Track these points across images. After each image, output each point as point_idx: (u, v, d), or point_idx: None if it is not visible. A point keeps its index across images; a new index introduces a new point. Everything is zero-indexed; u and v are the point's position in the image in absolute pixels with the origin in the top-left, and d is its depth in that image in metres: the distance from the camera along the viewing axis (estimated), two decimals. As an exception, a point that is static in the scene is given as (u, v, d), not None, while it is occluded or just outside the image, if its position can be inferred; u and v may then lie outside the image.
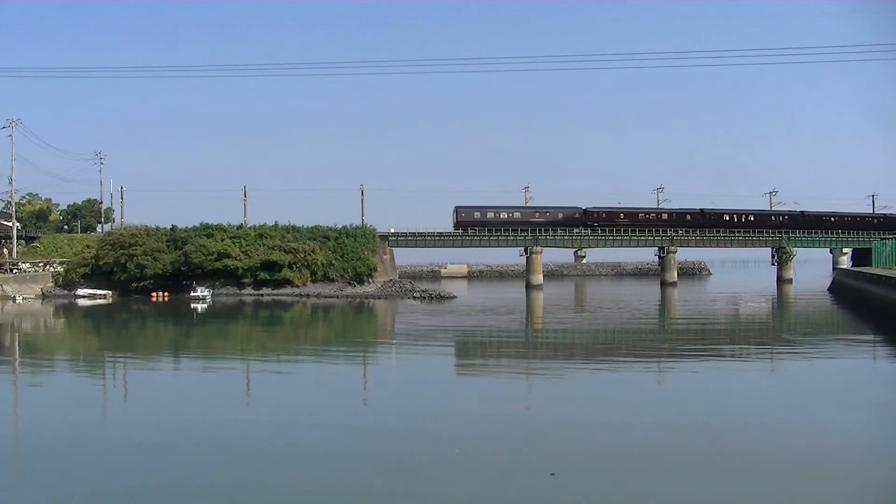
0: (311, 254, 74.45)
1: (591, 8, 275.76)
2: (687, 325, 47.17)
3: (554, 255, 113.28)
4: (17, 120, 78.60)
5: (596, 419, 19.24)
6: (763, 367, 30.07)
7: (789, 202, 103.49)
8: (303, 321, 52.78)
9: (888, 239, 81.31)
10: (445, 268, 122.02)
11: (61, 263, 75.84)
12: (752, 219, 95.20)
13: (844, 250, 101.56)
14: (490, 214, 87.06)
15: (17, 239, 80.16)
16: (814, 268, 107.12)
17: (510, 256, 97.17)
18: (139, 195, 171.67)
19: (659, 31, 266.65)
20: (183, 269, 73.73)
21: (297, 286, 73.22)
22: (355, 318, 53.81)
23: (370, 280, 76.32)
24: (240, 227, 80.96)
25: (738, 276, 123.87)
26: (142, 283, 72.76)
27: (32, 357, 35.53)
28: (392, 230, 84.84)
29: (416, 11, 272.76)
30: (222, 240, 75.52)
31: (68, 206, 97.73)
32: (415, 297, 68.68)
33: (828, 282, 79.61)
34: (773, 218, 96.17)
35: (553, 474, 14.20)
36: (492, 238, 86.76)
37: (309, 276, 74.31)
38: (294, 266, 73.67)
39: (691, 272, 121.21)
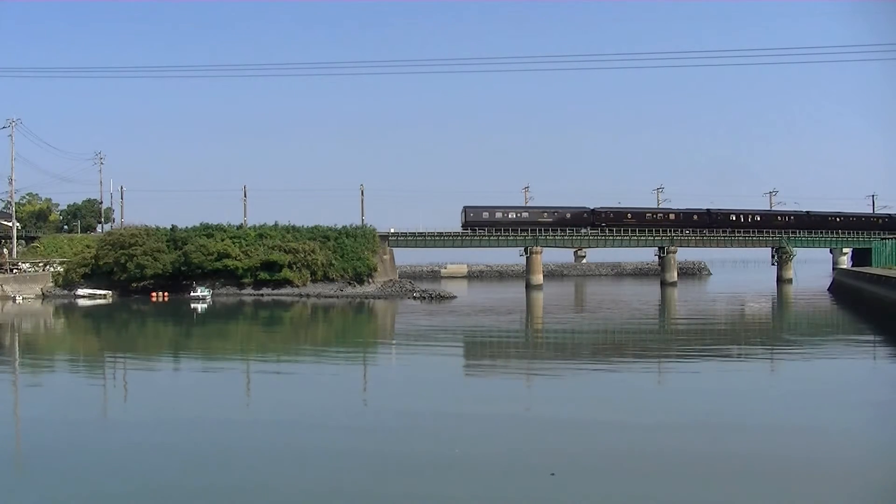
0: (311, 254, 74.46)
1: (591, 8, 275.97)
2: (687, 326, 47.17)
3: (554, 255, 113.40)
4: (17, 120, 78.78)
5: (596, 419, 19.24)
6: (763, 367, 30.06)
7: (789, 202, 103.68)
8: (303, 321, 52.78)
9: (888, 239, 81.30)
10: (445, 268, 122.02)
11: (61, 263, 75.85)
12: (759, 219, 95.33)
13: (844, 250, 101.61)
14: (498, 214, 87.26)
15: (17, 239, 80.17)
16: (814, 268, 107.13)
17: (510, 256, 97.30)
18: (139, 195, 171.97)
19: (659, 31, 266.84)
20: (183, 269, 73.75)
21: (297, 286, 73.22)
22: (355, 318, 53.81)
23: (370, 280, 76.33)
24: (240, 227, 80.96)
25: (738, 276, 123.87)
26: (142, 283, 72.76)
27: (32, 357, 35.53)
28: (392, 230, 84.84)
29: (416, 11, 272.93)
30: (222, 240, 75.54)
31: (68, 206, 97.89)
32: (415, 297, 68.68)
33: (828, 282, 79.61)
34: (778, 218, 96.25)
35: (553, 474, 14.20)
36: (492, 238, 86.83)
37: (309, 276, 74.32)
38: (294, 266, 73.68)
39: (691, 272, 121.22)
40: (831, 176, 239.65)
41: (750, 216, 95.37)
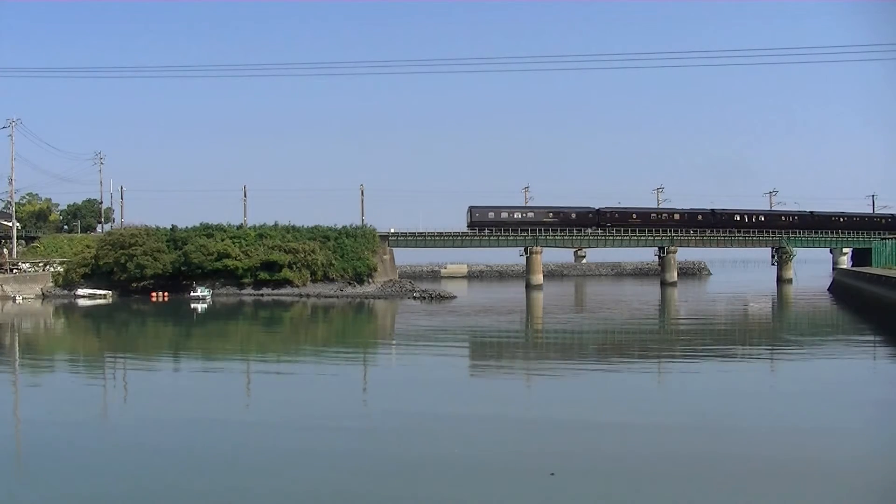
0: (311, 254, 74.45)
1: (591, 8, 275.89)
2: (687, 326, 47.17)
3: (554, 255, 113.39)
4: (17, 120, 78.72)
5: (596, 420, 19.24)
6: (763, 367, 30.06)
7: (789, 202, 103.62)
8: (302, 321, 52.78)
9: (888, 239, 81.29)
10: (445, 268, 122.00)
11: (61, 263, 75.84)
12: (763, 219, 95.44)
13: (844, 250, 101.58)
14: (504, 214, 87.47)
15: (17, 239, 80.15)
16: (814, 268, 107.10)
17: (511, 256, 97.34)
18: (139, 195, 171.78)
19: (659, 31, 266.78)
20: (183, 269, 73.75)
21: (297, 286, 73.22)
22: (355, 318, 53.81)
23: (370, 280, 76.33)
24: (240, 227, 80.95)
25: (738, 276, 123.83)
26: (142, 283, 72.74)
27: (32, 357, 35.54)
28: (392, 230, 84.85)
29: (416, 11, 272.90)
30: (222, 240, 75.53)
31: (68, 206, 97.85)
32: (415, 297, 68.68)
33: (828, 282, 79.60)
34: (782, 218, 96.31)
35: (553, 474, 14.20)
36: (492, 238, 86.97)
37: (309, 276, 74.32)
38: (294, 266, 73.67)
39: (691, 272, 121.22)
40: (831, 176, 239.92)
41: (754, 216, 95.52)
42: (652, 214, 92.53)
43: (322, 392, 24.09)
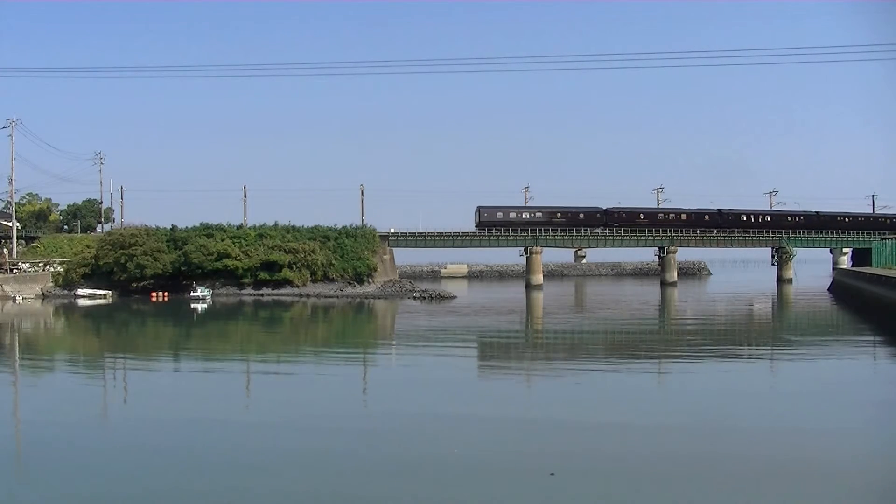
0: (311, 254, 74.45)
1: (591, 8, 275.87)
2: (687, 326, 47.17)
3: (554, 255, 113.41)
4: (17, 120, 78.72)
5: (597, 421, 19.24)
6: (763, 367, 30.07)
7: (789, 202, 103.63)
8: (302, 321, 52.78)
9: (888, 239, 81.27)
10: (445, 268, 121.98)
11: (61, 263, 75.84)
12: (769, 219, 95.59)
13: (844, 250, 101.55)
14: (512, 214, 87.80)
15: (17, 239, 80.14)
16: (814, 268, 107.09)
17: (511, 256, 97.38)
18: (139, 195, 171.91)
19: (659, 31, 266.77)
20: (183, 269, 73.75)
21: (297, 286, 73.22)
22: (355, 319, 53.81)
23: (370, 280, 76.32)
24: (240, 227, 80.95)
25: (738, 276, 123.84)
26: (142, 283, 72.73)
27: (32, 357, 35.54)
28: (392, 230, 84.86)
29: (416, 11, 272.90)
30: (222, 240, 75.53)
31: (68, 206, 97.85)
32: (415, 297, 68.69)
33: (828, 282, 79.60)
34: (788, 218, 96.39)
35: (553, 474, 14.20)
36: (492, 238, 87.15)
37: (309, 276, 74.32)
38: (294, 266, 73.67)
39: (691, 272, 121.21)
40: (831, 176, 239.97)
41: (760, 216, 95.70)
42: (659, 214, 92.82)
43: (322, 392, 24.08)
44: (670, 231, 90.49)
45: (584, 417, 19.51)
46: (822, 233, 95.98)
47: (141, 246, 73.06)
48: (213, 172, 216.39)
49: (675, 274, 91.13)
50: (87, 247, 76.67)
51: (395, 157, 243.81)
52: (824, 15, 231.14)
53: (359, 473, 14.67)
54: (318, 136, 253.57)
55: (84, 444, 17.64)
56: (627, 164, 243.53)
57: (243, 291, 73.18)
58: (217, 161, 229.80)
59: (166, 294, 71.67)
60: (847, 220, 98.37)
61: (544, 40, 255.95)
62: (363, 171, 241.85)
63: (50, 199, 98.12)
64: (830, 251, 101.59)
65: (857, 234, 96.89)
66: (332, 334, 44.74)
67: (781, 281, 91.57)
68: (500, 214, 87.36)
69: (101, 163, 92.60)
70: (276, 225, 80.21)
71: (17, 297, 67.19)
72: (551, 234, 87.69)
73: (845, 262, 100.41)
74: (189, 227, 78.74)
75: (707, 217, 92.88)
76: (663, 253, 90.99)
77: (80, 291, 71.41)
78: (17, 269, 73.91)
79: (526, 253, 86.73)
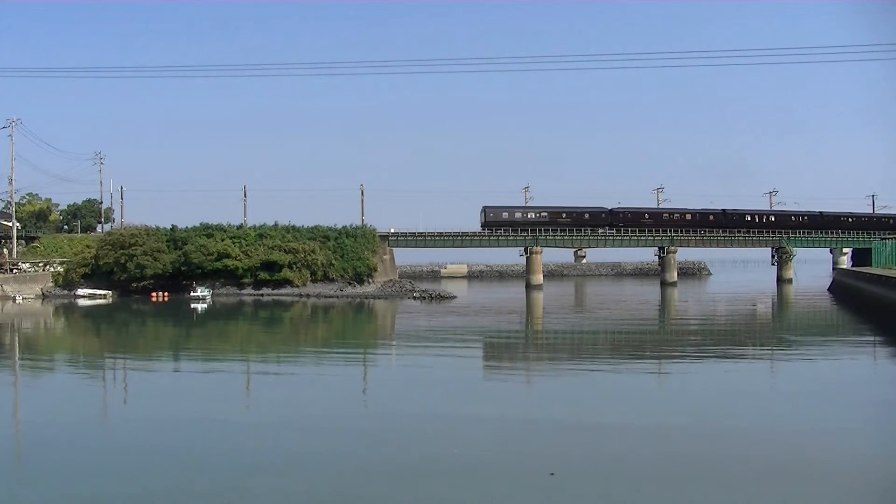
0: (311, 254, 74.45)
1: (591, 8, 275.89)
2: (687, 326, 47.17)
3: (554, 255, 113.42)
4: (17, 120, 78.74)
5: (597, 421, 19.25)
6: (763, 367, 30.06)
7: (789, 202, 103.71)
8: (302, 321, 52.78)
9: (888, 239, 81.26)
10: (445, 268, 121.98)
11: (61, 263, 75.84)
12: (773, 219, 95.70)
13: (844, 250, 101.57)
14: (518, 214, 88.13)
15: (17, 239, 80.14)
16: (813, 268, 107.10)
17: (511, 256, 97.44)
18: (139, 195, 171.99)
19: (659, 31, 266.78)
20: (183, 269, 73.74)
21: (297, 286, 73.22)
22: (355, 319, 53.81)
23: (370, 280, 76.32)
24: (240, 227, 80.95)
25: (738, 276, 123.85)
26: (142, 283, 72.73)
27: (32, 357, 35.53)
28: (392, 230, 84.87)
29: (416, 11, 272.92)
30: (222, 240, 75.53)
31: (68, 206, 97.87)
32: (415, 297, 68.68)
33: (828, 282, 79.61)
34: (792, 218, 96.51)
35: (553, 474, 14.21)
36: (492, 238, 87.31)
37: (309, 276, 74.32)
38: (294, 266, 73.67)
39: (691, 272, 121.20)
40: (831, 176, 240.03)
41: (764, 216, 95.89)
42: (664, 215, 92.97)
43: (322, 392, 24.08)
44: (670, 231, 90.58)
45: (584, 417, 19.51)
46: (822, 233, 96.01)
47: (141, 246, 73.06)
48: (213, 172, 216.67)
49: (675, 274, 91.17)
50: (87, 247, 76.68)
51: (395, 157, 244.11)
52: (824, 15, 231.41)
53: (359, 473, 14.67)
54: (318, 136, 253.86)
55: (84, 444, 17.64)
56: (627, 164, 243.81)
57: (243, 291, 73.18)
58: (217, 161, 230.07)
59: (166, 294, 71.67)
60: (851, 220, 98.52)
61: (544, 40, 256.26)
62: (363, 171, 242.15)
63: (50, 199, 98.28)
64: (830, 251, 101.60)
65: (857, 234, 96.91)
66: (332, 334, 44.73)
67: (781, 281, 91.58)
68: (505, 214, 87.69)
69: (101, 163, 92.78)
70: (276, 225, 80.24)
71: (17, 297, 67.19)
72: (551, 234, 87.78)
73: (845, 262, 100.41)
74: (189, 227, 78.77)
75: (712, 217, 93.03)
76: (663, 253, 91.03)
77: (80, 291, 71.42)
78: (17, 269, 73.92)
79: (526, 253, 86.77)
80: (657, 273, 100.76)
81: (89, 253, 74.91)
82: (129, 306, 63.05)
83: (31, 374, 30.30)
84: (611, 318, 51.36)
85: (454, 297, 69.03)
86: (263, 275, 73.39)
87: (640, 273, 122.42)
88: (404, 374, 28.64)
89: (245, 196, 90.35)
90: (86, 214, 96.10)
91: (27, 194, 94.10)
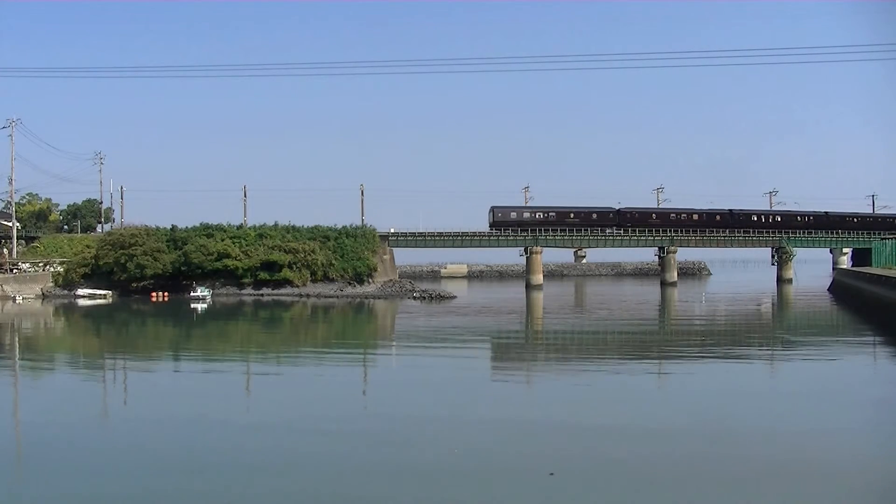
0: (311, 254, 74.46)
1: (591, 8, 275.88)
2: (687, 326, 47.18)
3: (554, 255, 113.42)
4: (17, 120, 78.74)
5: (597, 421, 19.24)
6: (763, 367, 30.05)
7: (789, 202, 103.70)
8: (302, 322, 52.77)
9: (888, 239, 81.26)
10: (445, 268, 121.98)
11: (61, 263, 75.84)
12: (779, 219, 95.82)
13: (844, 250, 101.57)
14: (526, 214, 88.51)
15: (17, 239, 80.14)
16: (813, 268, 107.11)
17: (511, 256, 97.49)
18: (139, 195, 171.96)
19: (659, 31, 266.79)
20: (183, 269, 73.74)
21: (297, 286, 73.22)
22: (355, 319, 53.80)
23: (370, 280, 76.33)
24: (240, 227, 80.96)
25: (738, 276, 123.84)
26: (142, 283, 72.73)
27: (32, 358, 35.53)
28: (392, 230, 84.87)
29: (416, 11, 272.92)
30: (222, 240, 75.54)
31: (68, 206, 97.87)
32: (415, 297, 68.68)
33: (828, 282, 79.61)
34: (798, 218, 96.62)
35: (552, 474, 14.21)
36: (492, 238, 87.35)
37: (309, 276, 74.32)
38: (294, 266, 73.67)
39: (691, 272, 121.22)
40: (831, 176, 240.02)
41: (771, 216, 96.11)
42: (671, 215, 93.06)
43: (322, 393, 24.06)
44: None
45: (584, 418, 19.51)
46: (821, 233, 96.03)
47: (141, 246, 73.06)
48: (213, 172, 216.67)
49: (675, 274, 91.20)
50: (87, 247, 76.68)
51: (395, 157, 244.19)
52: (824, 15, 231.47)
53: (359, 474, 14.66)
54: (318, 136, 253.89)
55: (84, 444, 17.64)
56: (627, 164, 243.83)
57: (243, 291, 73.18)
58: (217, 161, 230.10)
59: (166, 294, 71.67)
60: (856, 220, 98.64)
61: (544, 40, 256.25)
62: (363, 171, 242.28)
63: (50, 199, 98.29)
64: (830, 251, 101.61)
65: (857, 234, 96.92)
66: (332, 334, 44.73)
67: (781, 281, 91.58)
68: (514, 214, 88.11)
69: (101, 163, 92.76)
70: (276, 225, 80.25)
71: (17, 297, 67.19)
72: (551, 234, 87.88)
73: (845, 262, 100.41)
74: (189, 227, 78.78)
75: (718, 217, 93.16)
76: (663, 253, 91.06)
77: (80, 291, 71.41)
78: (17, 269, 73.92)
79: (526, 253, 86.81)
80: (657, 273, 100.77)
81: (89, 253, 74.92)
82: (129, 306, 63.05)
83: (31, 374, 30.30)
84: (611, 318, 51.35)
85: (454, 297, 69.03)
86: (263, 275, 73.40)
87: (640, 273, 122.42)
88: (404, 374, 28.64)
89: (245, 196, 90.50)
90: (86, 214, 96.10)
91: (27, 194, 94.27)
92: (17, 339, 42.45)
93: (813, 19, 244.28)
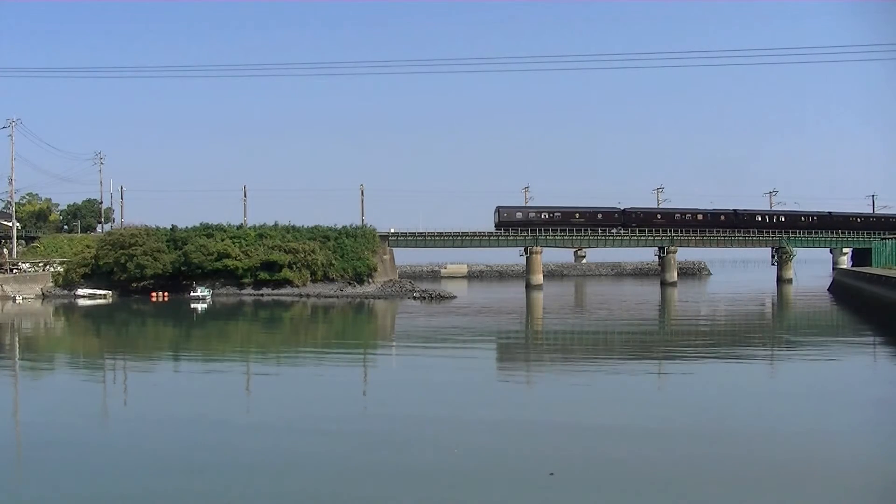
0: (311, 254, 74.46)
1: (591, 8, 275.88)
2: (687, 326, 47.16)
3: (554, 255, 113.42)
4: (17, 120, 78.76)
5: (597, 422, 19.23)
6: (763, 367, 30.04)
7: (789, 202, 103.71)
8: (302, 322, 52.77)
9: (888, 239, 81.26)
10: (445, 268, 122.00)
11: (61, 263, 75.84)
12: (784, 219, 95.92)
13: (844, 250, 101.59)
14: (532, 214, 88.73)
15: (17, 239, 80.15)
16: (813, 268, 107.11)
17: (511, 256, 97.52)
18: (139, 195, 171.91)
19: (659, 31, 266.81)
20: (183, 269, 73.76)
21: (297, 286, 73.23)
22: (355, 319, 53.80)
23: (370, 280, 76.33)
24: (240, 227, 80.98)
25: (738, 276, 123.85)
26: (142, 283, 72.75)
27: (32, 358, 35.52)
28: (392, 230, 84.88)
29: (416, 11, 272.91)
30: (222, 240, 75.55)
31: (68, 206, 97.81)
32: (415, 297, 68.68)
33: (828, 282, 79.60)
34: (802, 219, 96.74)
35: (552, 474, 14.20)
36: (492, 238, 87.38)
37: (309, 276, 74.33)
38: (294, 266, 73.68)
39: (691, 272, 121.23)
40: (831, 176, 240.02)
41: (775, 217, 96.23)
42: (676, 215, 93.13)
43: (322, 393, 24.06)
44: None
45: (584, 418, 19.50)
46: (821, 233, 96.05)
47: (141, 246, 73.07)
48: (213, 172, 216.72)
49: (675, 274, 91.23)
50: (87, 247, 76.69)
51: (395, 157, 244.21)
52: (824, 15, 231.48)
53: (359, 474, 14.65)
54: (318, 136, 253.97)
55: (84, 444, 17.63)
56: (627, 164, 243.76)
57: (243, 291, 73.19)
58: (217, 161, 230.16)
59: (166, 294, 71.67)
60: (859, 220, 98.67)
61: (544, 40, 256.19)
62: (363, 171, 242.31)
63: (50, 199, 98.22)
64: (830, 251, 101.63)
65: (857, 234, 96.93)
66: (332, 334, 44.72)
67: (781, 281, 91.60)
68: (519, 214, 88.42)
69: (101, 163, 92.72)
70: (276, 225, 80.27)
71: (17, 297, 67.20)
72: (551, 234, 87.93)
73: (845, 262, 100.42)
74: (189, 227, 78.81)
75: (723, 217, 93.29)
76: (663, 253, 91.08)
77: (80, 291, 71.42)
78: (17, 269, 73.93)
79: (526, 253, 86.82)
80: (657, 273, 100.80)
81: (89, 253, 74.93)
82: (129, 306, 63.05)
83: (32, 374, 30.30)
84: (611, 318, 51.35)
85: (454, 297, 69.03)
86: (263, 275, 73.41)
87: (640, 273, 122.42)
88: (404, 374, 28.64)
89: (245, 196, 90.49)
90: (86, 214, 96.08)
91: (27, 194, 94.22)
92: (17, 339, 42.46)
93: (813, 19, 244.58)
